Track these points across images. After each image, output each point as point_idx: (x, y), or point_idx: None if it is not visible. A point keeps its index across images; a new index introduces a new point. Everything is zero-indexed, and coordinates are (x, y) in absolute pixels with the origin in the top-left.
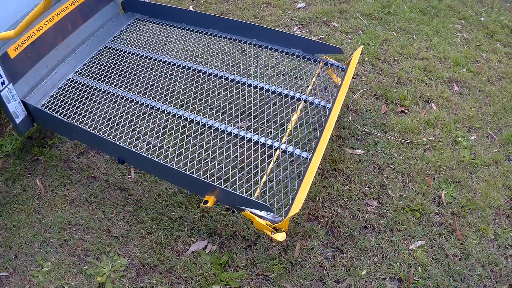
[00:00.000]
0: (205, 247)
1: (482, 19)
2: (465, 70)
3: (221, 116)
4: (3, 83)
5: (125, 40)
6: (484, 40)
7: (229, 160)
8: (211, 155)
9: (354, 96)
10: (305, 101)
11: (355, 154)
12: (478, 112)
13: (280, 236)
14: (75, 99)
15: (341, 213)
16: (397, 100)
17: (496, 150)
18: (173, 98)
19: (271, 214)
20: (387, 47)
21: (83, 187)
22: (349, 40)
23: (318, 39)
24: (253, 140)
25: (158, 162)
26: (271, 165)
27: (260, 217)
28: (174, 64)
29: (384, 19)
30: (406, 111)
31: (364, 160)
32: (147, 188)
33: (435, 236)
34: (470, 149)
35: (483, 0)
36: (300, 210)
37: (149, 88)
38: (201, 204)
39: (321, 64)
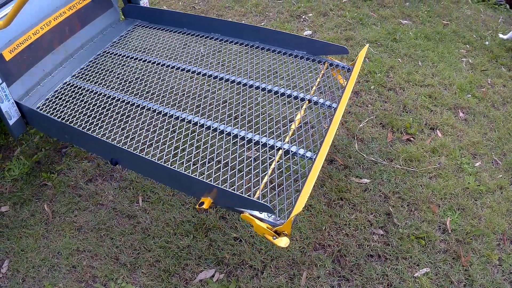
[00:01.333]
0: (213, 276)
1: (487, 43)
2: (470, 95)
3: (220, 116)
4: None
5: (124, 44)
6: (489, 65)
7: (228, 161)
8: (209, 156)
9: (360, 125)
10: (309, 100)
11: (361, 183)
12: (483, 138)
13: (283, 242)
14: (70, 101)
15: (347, 242)
16: (403, 128)
17: (500, 176)
18: (171, 100)
19: (273, 216)
20: (393, 74)
21: (91, 214)
22: None
23: None
24: (254, 140)
25: (151, 161)
26: (272, 166)
27: (260, 219)
28: (173, 67)
29: (390, 46)
30: (411, 139)
31: (370, 189)
32: (155, 216)
33: (440, 263)
34: (475, 176)
35: (487, 24)
36: (302, 210)
37: (146, 90)
38: (197, 206)
39: (326, 65)
